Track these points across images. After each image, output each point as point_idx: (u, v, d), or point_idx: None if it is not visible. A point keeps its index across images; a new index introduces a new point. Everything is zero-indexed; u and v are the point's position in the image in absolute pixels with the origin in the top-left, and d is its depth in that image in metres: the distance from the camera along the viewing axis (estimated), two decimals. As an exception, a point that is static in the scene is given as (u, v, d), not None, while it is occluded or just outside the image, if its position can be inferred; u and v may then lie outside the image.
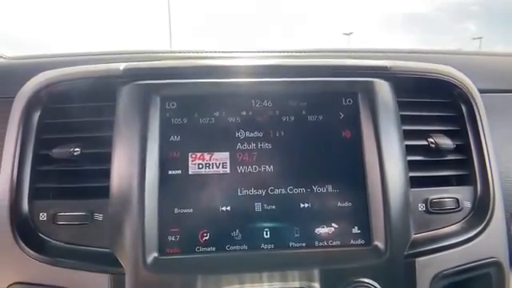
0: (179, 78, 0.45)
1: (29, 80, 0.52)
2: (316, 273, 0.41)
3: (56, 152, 0.44)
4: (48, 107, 0.46)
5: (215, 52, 0.58)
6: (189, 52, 0.56)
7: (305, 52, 0.61)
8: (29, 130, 0.45)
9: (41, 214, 0.43)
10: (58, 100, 0.47)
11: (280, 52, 0.61)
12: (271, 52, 0.61)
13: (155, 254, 0.40)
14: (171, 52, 0.58)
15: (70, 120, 0.46)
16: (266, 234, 0.42)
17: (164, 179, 0.42)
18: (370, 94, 0.46)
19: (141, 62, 0.50)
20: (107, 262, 0.41)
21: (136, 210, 0.40)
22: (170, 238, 0.41)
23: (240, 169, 0.44)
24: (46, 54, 0.59)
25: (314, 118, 0.45)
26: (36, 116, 0.46)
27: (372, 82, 0.46)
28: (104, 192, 0.43)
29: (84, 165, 0.44)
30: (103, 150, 0.44)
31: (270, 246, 0.42)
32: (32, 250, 0.41)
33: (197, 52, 0.57)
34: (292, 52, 0.61)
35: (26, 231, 0.42)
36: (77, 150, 0.44)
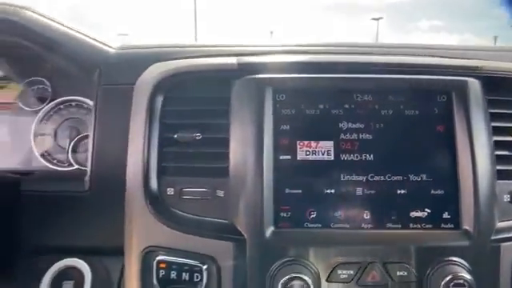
0: (287, 73, 0.50)
1: (140, 68, 0.59)
2: (410, 250, 0.46)
3: (180, 136, 0.51)
4: (168, 95, 0.52)
5: (305, 46, 0.62)
6: (287, 46, 0.61)
7: (384, 47, 0.65)
8: (154, 115, 0.52)
9: (168, 189, 0.50)
10: (178, 89, 0.53)
11: (357, 47, 0.64)
12: (346, 46, 0.64)
13: (272, 228, 0.46)
14: (271, 46, 0.62)
15: (189, 108, 0.52)
16: (366, 216, 0.48)
17: (276, 163, 0.48)
18: (463, 92, 0.49)
19: (245, 55, 0.55)
20: (229, 232, 0.47)
21: (255, 188, 0.47)
22: (282, 214, 0.47)
23: (343, 156, 0.49)
24: (149, 45, 0.65)
25: (411, 113, 0.50)
26: (159, 102, 0.52)
27: (466, 81, 0.50)
28: (223, 172, 0.49)
29: (204, 148, 0.50)
30: (221, 135, 0.50)
31: (369, 226, 0.47)
32: (163, 218, 0.49)
33: (293, 46, 0.61)
34: (373, 47, 0.65)
35: (157, 203, 0.49)
36: (198, 134, 0.50)
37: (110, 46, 0.63)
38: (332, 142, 0.49)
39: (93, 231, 0.57)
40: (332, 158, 0.49)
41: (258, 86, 0.49)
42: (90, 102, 0.72)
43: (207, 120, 0.51)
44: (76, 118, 0.74)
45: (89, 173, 0.59)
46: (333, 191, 0.48)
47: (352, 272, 0.45)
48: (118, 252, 0.58)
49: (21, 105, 0.75)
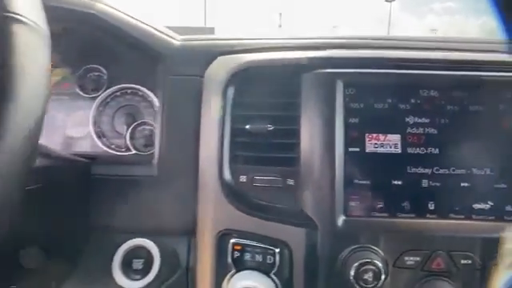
0: (356, 67, 0.52)
1: (205, 60, 0.61)
2: (474, 240, 0.49)
3: (252, 127, 0.53)
4: (240, 88, 0.55)
5: (364, 39, 0.64)
6: (347, 39, 0.62)
7: (441, 41, 0.65)
8: (226, 107, 0.54)
9: (241, 177, 0.53)
10: (249, 82, 0.55)
11: (418, 41, 0.65)
12: (405, 40, 0.65)
13: (343, 217, 0.49)
14: (331, 38, 0.63)
15: (260, 100, 0.54)
16: (431, 206, 0.50)
17: (346, 155, 0.50)
18: None
19: (307, 48, 0.57)
20: (301, 218, 0.50)
21: (327, 179, 0.49)
22: (351, 204, 0.50)
23: (409, 150, 0.51)
24: (211, 37, 0.67)
25: (475, 108, 0.51)
26: (231, 95, 0.54)
27: None
28: (293, 161, 0.51)
29: (275, 138, 0.53)
30: (291, 126, 0.52)
31: (433, 216, 0.50)
32: (238, 204, 0.52)
33: (353, 39, 0.62)
34: (430, 41, 0.65)
35: (231, 190, 0.52)
36: (269, 126, 0.53)
37: (174, 38, 0.65)
38: (399, 136, 0.51)
39: (159, 213, 0.61)
40: (399, 151, 0.51)
41: (329, 80, 0.51)
42: (145, 90, 0.75)
43: (278, 112, 0.53)
44: (131, 105, 0.77)
45: (157, 158, 0.62)
46: (399, 182, 0.50)
47: (418, 259, 0.48)
48: (183, 233, 0.62)
49: (78, 91, 0.78)
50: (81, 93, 0.78)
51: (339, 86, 0.51)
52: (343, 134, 0.50)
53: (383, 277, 0.46)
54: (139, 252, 0.61)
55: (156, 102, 0.76)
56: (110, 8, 0.60)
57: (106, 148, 0.75)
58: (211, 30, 8.60)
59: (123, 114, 0.77)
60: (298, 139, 0.52)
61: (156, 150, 0.62)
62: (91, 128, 0.76)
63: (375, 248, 0.48)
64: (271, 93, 0.54)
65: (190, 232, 0.61)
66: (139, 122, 0.75)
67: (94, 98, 0.77)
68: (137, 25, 0.62)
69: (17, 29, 0.31)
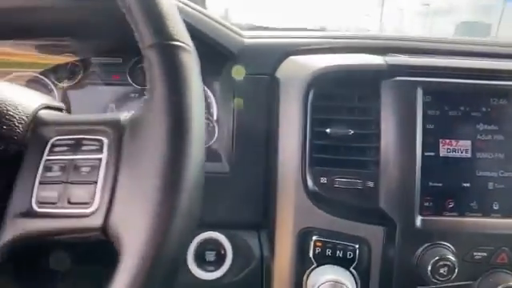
0: (434, 76, 0.55)
1: (273, 59, 0.62)
2: None
3: (333, 131, 0.55)
4: (319, 92, 0.57)
5: (435, 42, 0.66)
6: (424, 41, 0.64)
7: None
8: (306, 110, 0.56)
9: (321, 178, 0.56)
10: (328, 85, 0.57)
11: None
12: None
13: (420, 217, 0.54)
14: (395, 39, 0.65)
15: (339, 104, 0.56)
16: (495, 206, 0.55)
17: (423, 159, 0.54)
18: None
19: (383, 49, 0.59)
20: (380, 218, 0.54)
21: (407, 181, 0.53)
22: (425, 204, 0.54)
23: (478, 155, 0.55)
24: (276, 34, 0.68)
25: (539, 116, 0.56)
26: (311, 98, 0.56)
27: None
28: (373, 164, 0.55)
29: (356, 142, 0.56)
30: (372, 131, 0.55)
31: (498, 215, 0.55)
32: (319, 204, 0.55)
33: (426, 41, 0.65)
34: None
35: (313, 190, 0.55)
36: (350, 130, 0.56)
37: (241, 35, 0.65)
38: (470, 142, 0.55)
39: (229, 208, 0.64)
40: (469, 156, 0.55)
41: (410, 87, 0.54)
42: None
43: (358, 116, 0.56)
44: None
45: (227, 155, 0.64)
46: (468, 185, 0.55)
47: (485, 254, 0.54)
48: (251, 226, 0.65)
49: (130, 80, 0.77)
50: (133, 83, 0.77)
51: (419, 94, 0.54)
52: (422, 140, 0.54)
53: (456, 270, 0.52)
54: (211, 245, 0.64)
55: (211, 97, 0.77)
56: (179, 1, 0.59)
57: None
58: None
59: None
60: (377, 143, 0.55)
61: (219, 145, 0.63)
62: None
63: (447, 244, 0.53)
64: (350, 97, 0.56)
65: (259, 225, 0.64)
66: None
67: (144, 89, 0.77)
68: (207, 21, 0.62)
69: (184, 56, 0.32)
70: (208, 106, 0.77)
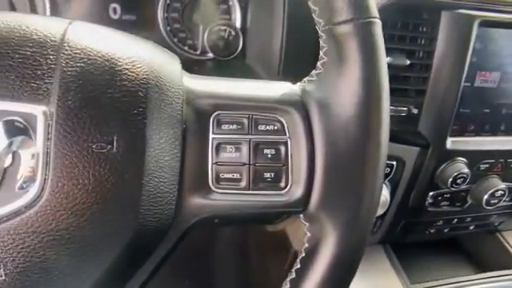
0: (489, 11, 0.57)
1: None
2: None
3: (392, 61, 0.57)
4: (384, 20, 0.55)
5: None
6: None
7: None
8: None
9: None
10: (390, 15, 0.55)
11: None
12: None
13: (449, 138, 0.62)
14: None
15: (399, 33, 0.57)
16: (503, 127, 0.66)
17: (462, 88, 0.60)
18: None
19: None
20: (416, 140, 0.62)
21: (448, 108, 0.60)
22: (453, 127, 0.63)
23: (503, 85, 0.63)
24: None
25: None
26: None
27: None
28: (421, 93, 0.60)
29: (410, 72, 0.59)
30: (426, 61, 0.58)
31: (503, 134, 0.66)
32: None
33: None
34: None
35: None
36: (407, 60, 0.57)
37: None
38: (500, 73, 0.62)
39: None
40: (495, 86, 0.62)
41: (469, 20, 0.56)
42: None
43: (414, 46, 0.57)
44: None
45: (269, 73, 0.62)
46: (488, 111, 0.64)
47: (487, 166, 0.66)
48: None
49: None
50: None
51: (475, 28, 0.56)
52: (466, 71, 0.59)
53: (468, 180, 0.64)
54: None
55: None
56: None
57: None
58: None
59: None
60: (428, 73, 0.58)
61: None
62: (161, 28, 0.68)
63: (464, 160, 0.65)
64: (408, 26, 0.57)
65: None
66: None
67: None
68: None
69: (379, 33, 0.30)
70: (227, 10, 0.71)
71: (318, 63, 0.32)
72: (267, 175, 0.32)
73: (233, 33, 0.69)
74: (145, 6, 0.68)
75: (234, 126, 0.32)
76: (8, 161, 0.26)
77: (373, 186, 0.31)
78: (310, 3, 0.30)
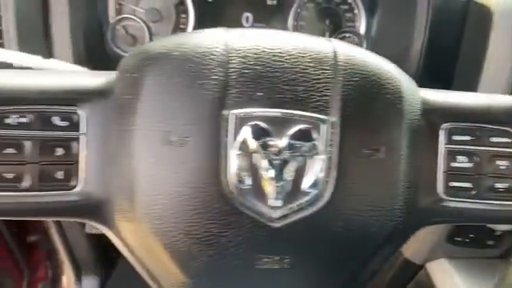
0: None
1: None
2: None
3: None
4: None
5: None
6: None
7: None
8: None
9: None
10: None
11: None
12: None
13: None
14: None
15: None
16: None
17: None
18: None
19: None
20: None
21: None
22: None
23: None
24: None
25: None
26: None
27: None
28: None
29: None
30: None
31: None
32: None
33: None
34: None
35: None
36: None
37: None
38: None
39: None
40: None
41: None
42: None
43: None
44: (328, 8, 0.72)
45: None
46: None
47: None
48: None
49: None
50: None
51: None
52: None
53: None
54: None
55: (360, 4, 0.72)
56: None
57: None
58: None
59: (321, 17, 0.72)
60: None
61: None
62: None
63: None
64: None
65: None
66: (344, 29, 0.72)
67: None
68: None
69: None
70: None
71: None
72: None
73: (356, 40, 0.72)
74: (276, 15, 0.72)
75: (466, 138, 0.34)
76: (292, 162, 0.30)
77: None
78: None
